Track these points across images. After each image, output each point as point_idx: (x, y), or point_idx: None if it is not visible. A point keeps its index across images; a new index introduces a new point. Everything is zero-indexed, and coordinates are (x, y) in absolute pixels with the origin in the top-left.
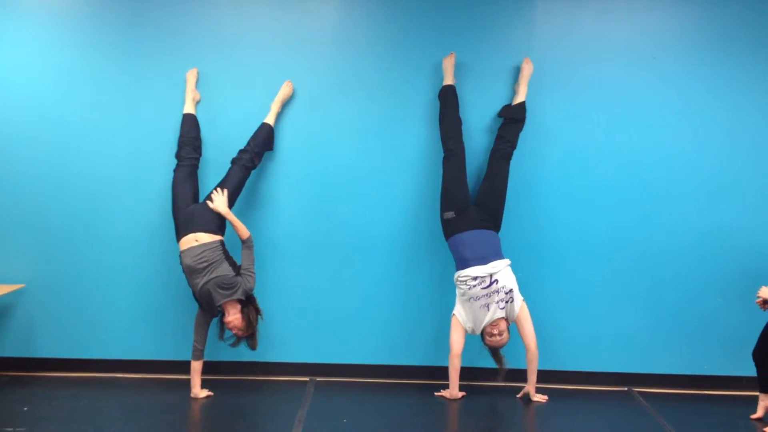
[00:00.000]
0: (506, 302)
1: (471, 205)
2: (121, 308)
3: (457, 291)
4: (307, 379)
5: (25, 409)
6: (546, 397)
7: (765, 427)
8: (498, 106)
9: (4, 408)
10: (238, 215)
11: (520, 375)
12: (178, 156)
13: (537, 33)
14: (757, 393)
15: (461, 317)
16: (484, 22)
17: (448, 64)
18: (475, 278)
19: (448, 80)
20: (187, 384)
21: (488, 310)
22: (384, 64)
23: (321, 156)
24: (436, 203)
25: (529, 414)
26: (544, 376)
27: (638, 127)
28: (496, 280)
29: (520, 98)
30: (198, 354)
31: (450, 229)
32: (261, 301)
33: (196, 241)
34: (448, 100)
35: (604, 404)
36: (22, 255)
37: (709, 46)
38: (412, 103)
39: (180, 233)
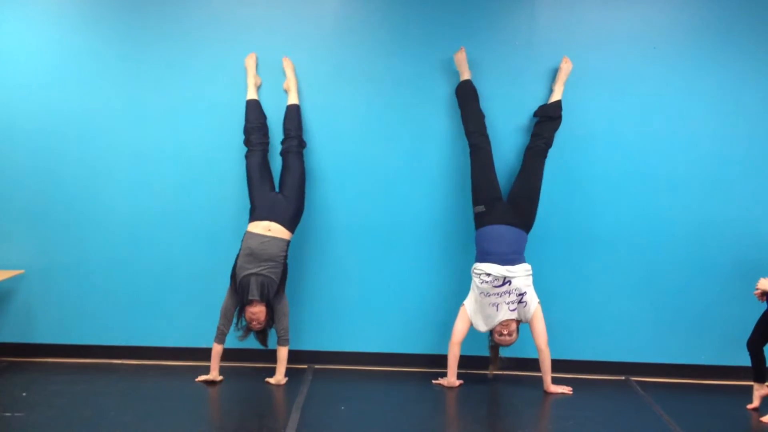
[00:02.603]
0: (518, 303)
1: (502, 199)
2: (120, 294)
3: (472, 283)
4: (305, 366)
5: (24, 394)
6: (568, 388)
7: (761, 417)
8: (501, 99)
9: (3, 393)
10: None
11: (521, 364)
12: (247, 142)
13: (537, 23)
14: (753, 383)
15: (470, 309)
16: (482, 12)
17: (461, 59)
18: (488, 275)
19: (465, 75)
20: (185, 370)
21: (497, 309)
22: (399, 55)
23: (331, 148)
24: (443, 194)
25: (526, 402)
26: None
27: (638, 117)
28: (509, 282)
29: (555, 96)
30: (221, 338)
31: (480, 221)
32: None
33: (269, 230)
34: (468, 94)
35: (601, 393)
36: (21, 241)
37: (710, 37)
38: (429, 97)
39: (255, 216)
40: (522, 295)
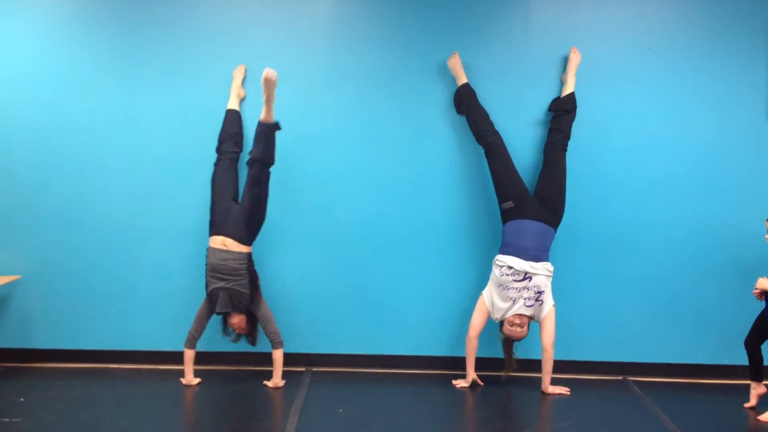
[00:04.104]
0: (535, 300)
1: (529, 194)
2: (116, 299)
3: (492, 274)
4: (303, 369)
5: (22, 399)
6: (566, 389)
7: (758, 415)
8: (494, 97)
9: (1, 399)
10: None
11: (528, 365)
12: (218, 150)
13: (532, 22)
14: (750, 382)
15: (488, 299)
16: (477, 10)
17: (456, 64)
18: (510, 267)
19: (462, 79)
20: (182, 374)
21: (513, 303)
22: (394, 56)
23: (328, 149)
24: (441, 196)
25: (524, 403)
26: (539, 364)
27: (633, 118)
28: (530, 278)
29: (568, 89)
30: (192, 343)
31: (509, 216)
32: None
33: (224, 245)
34: (469, 97)
35: (599, 393)
36: (18, 246)
37: (705, 35)
38: (426, 97)
39: (212, 230)
40: (540, 293)
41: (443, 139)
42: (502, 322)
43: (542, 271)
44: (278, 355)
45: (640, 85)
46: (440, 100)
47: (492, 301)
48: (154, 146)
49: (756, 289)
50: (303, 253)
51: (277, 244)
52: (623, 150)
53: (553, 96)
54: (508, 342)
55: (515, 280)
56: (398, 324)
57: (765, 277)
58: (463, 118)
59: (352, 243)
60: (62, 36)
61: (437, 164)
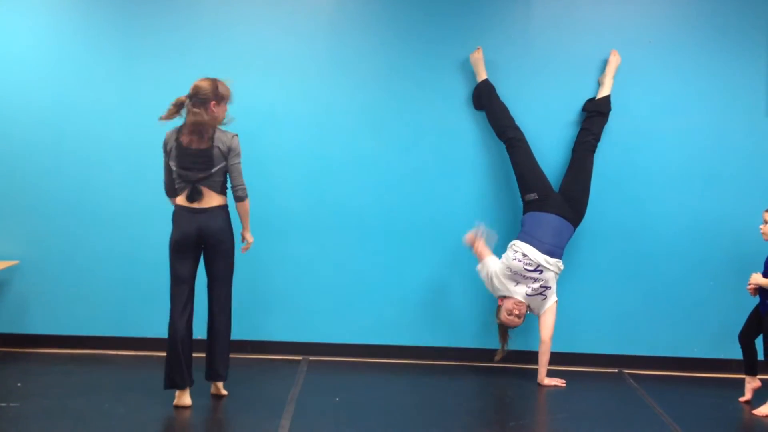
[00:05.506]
0: (539, 294)
1: (554, 190)
2: (114, 285)
3: (504, 255)
4: (300, 358)
5: (19, 384)
6: (562, 381)
7: (753, 409)
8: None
9: None
10: None
11: (525, 357)
12: None
13: (532, 16)
14: (744, 376)
15: (491, 267)
16: (478, 4)
17: (478, 59)
18: (525, 255)
19: (482, 75)
20: None
21: (515, 286)
22: (398, 48)
23: (328, 142)
24: (441, 188)
25: (519, 395)
26: (536, 356)
27: (632, 111)
28: (541, 271)
29: (605, 91)
30: None
31: (532, 207)
32: (255, 280)
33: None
34: (490, 93)
35: (594, 385)
36: (16, 232)
37: (706, 30)
38: (430, 91)
39: None
40: (546, 288)
41: (445, 131)
42: (499, 309)
43: (553, 268)
44: (244, 207)
45: (641, 79)
46: (447, 92)
47: (497, 272)
48: (153, 133)
49: (750, 284)
50: (301, 241)
51: (275, 233)
52: (619, 144)
53: (550, 89)
54: (503, 328)
55: (526, 269)
56: (395, 314)
57: (758, 273)
58: (466, 110)
59: (350, 232)
60: (63, 22)
61: (437, 156)
